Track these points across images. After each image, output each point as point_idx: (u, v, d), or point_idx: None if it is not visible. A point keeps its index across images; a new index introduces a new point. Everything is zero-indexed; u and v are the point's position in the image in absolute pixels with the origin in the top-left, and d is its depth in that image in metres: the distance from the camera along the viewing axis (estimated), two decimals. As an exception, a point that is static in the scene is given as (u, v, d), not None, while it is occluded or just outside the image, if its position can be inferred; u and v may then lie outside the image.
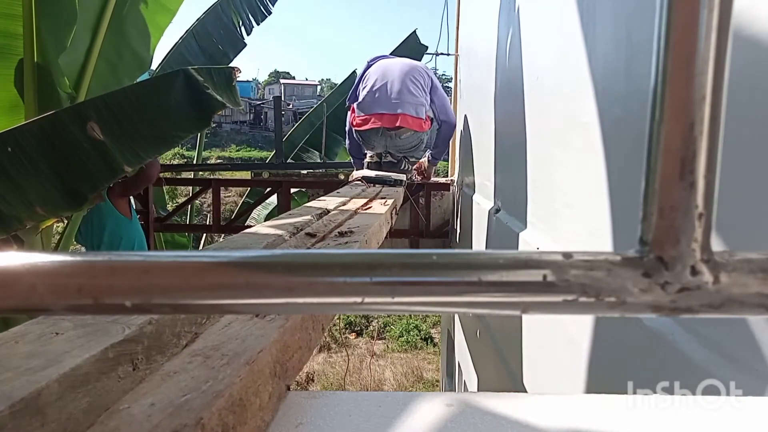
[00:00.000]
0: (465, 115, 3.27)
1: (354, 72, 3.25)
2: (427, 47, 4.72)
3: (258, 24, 4.91)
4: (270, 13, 4.98)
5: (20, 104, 2.51)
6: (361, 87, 3.00)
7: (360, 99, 2.95)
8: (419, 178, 3.32)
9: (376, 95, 2.88)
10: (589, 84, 1.17)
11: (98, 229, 2.92)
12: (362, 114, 2.93)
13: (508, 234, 1.86)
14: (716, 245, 0.19)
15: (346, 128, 3.18)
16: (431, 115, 2.98)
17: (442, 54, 3.92)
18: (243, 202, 5.03)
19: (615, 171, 1.05)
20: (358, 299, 0.20)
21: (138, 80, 3.18)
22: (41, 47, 2.43)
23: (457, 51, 3.71)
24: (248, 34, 4.85)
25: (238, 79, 2.69)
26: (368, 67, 3.05)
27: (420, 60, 4.38)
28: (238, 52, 4.82)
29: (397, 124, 2.85)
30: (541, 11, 1.63)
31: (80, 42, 2.82)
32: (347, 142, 3.23)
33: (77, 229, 3.03)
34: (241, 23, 4.78)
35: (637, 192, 0.19)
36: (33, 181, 1.79)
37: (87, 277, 0.19)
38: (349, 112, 3.12)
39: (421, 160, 3.23)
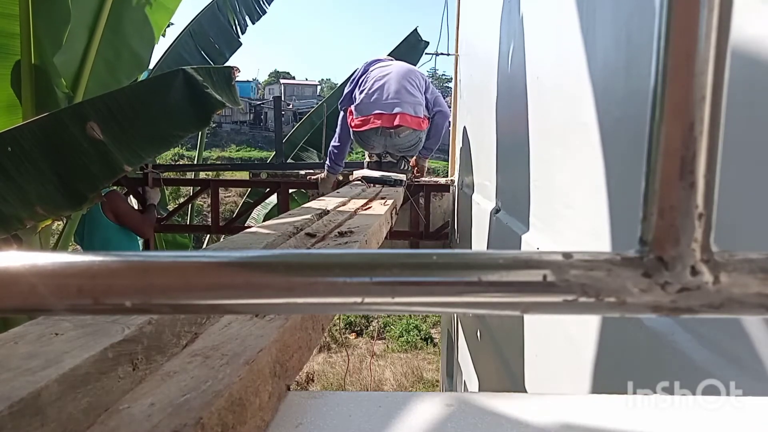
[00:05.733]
0: (464, 126, 3.27)
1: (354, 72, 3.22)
2: (428, 43, 4.73)
3: (253, 23, 4.92)
4: (265, 12, 4.99)
5: (18, 104, 2.51)
6: (357, 91, 2.98)
7: (358, 101, 2.93)
8: (417, 174, 3.32)
9: (375, 96, 2.87)
10: (589, 84, 1.17)
11: (89, 233, 2.94)
12: (360, 115, 2.91)
13: (508, 234, 1.86)
14: (716, 245, 0.19)
15: (338, 130, 3.10)
16: (428, 115, 2.98)
17: (442, 54, 3.91)
18: (243, 202, 5.03)
19: (615, 171, 1.05)
20: (358, 299, 0.20)
21: (138, 80, 3.18)
22: (38, 47, 2.43)
23: (457, 51, 3.71)
24: (243, 33, 4.86)
25: (237, 78, 2.69)
26: (365, 71, 3.04)
27: (420, 57, 4.38)
28: (234, 51, 4.83)
29: (396, 123, 2.85)
30: (541, 11, 1.63)
31: (77, 41, 2.81)
32: (336, 143, 3.11)
33: (75, 228, 3.04)
34: (236, 22, 4.79)
35: (637, 192, 0.19)
36: (33, 181, 1.79)
37: (87, 277, 0.19)
38: (344, 114, 3.08)
39: (414, 157, 3.22)
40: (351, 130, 3.00)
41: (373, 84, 2.90)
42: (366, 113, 2.89)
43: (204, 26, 4.64)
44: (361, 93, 2.94)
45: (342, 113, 3.09)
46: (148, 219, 3.10)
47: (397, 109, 2.84)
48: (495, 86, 2.23)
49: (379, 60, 3.12)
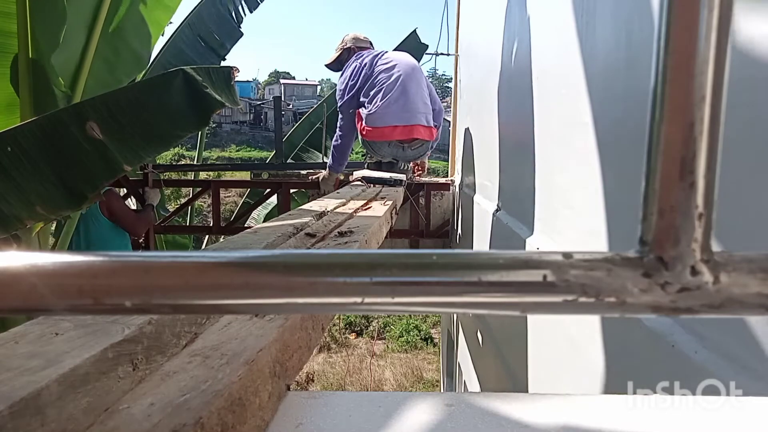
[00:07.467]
0: (465, 127, 3.26)
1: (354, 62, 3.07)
2: (427, 46, 4.71)
3: (251, 12, 4.91)
4: (261, 1, 4.97)
5: (16, 103, 2.51)
6: (365, 91, 2.86)
7: (371, 110, 2.83)
8: (418, 172, 3.30)
9: (390, 108, 2.79)
10: (590, 84, 1.17)
11: (85, 230, 2.93)
12: (373, 125, 2.83)
13: (508, 234, 1.86)
14: (716, 245, 0.19)
15: (342, 128, 2.97)
16: (435, 124, 2.97)
17: (442, 54, 3.91)
18: (243, 202, 5.02)
19: (615, 171, 1.05)
20: (358, 299, 0.20)
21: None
22: (36, 46, 2.43)
23: (457, 51, 3.71)
24: (241, 23, 4.86)
25: (237, 78, 2.69)
26: (371, 66, 2.91)
27: (420, 59, 4.35)
28: (235, 41, 4.79)
29: (412, 137, 2.82)
30: (541, 11, 1.63)
31: (75, 40, 2.80)
32: (339, 142, 2.99)
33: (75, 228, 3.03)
34: (234, 11, 4.78)
35: (637, 192, 0.19)
36: (33, 181, 1.79)
37: (87, 277, 0.19)
38: (347, 112, 2.94)
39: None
40: (360, 136, 2.94)
41: (384, 90, 2.81)
42: (380, 124, 2.82)
43: (204, 17, 4.61)
44: (371, 100, 2.84)
45: (345, 112, 2.98)
46: (142, 219, 3.06)
47: (412, 122, 2.81)
48: (495, 86, 2.23)
49: (380, 54, 2.99)
